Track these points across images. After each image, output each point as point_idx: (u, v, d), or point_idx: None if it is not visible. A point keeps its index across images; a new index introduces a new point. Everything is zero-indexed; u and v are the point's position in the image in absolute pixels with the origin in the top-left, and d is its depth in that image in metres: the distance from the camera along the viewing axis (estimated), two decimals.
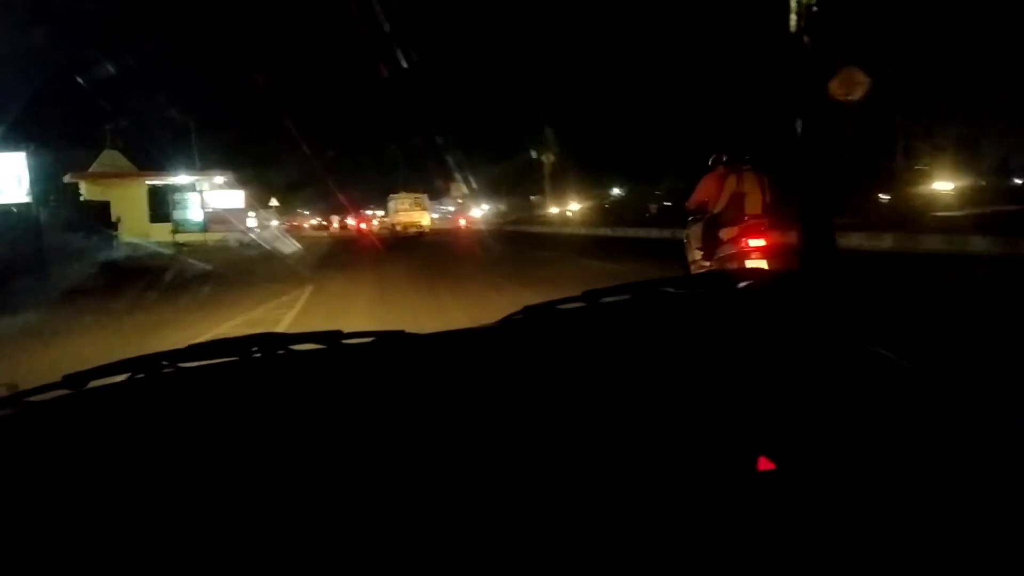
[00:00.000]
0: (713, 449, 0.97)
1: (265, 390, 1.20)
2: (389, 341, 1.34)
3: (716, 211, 6.76)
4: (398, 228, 36.01)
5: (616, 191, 43.79)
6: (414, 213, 37.80)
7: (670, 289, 1.49)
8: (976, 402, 1.00)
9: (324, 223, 56.25)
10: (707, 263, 6.70)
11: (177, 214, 33.67)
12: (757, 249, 6.37)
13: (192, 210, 34.05)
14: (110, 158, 33.44)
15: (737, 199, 6.63)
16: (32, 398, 1.18)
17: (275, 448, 1.01)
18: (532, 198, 46.78)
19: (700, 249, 6.88)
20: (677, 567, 0.85)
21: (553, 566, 0.85)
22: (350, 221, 42.81)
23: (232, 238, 30.70)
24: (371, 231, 37.96)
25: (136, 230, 29.03)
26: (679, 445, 0.98)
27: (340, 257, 22.39)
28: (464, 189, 50.22)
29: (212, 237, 31.99)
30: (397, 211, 38.29)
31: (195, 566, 0.85)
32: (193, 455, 0.99)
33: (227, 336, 1.32)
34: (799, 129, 6.20)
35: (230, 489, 0.93)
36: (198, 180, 34.61)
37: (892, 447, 0.96)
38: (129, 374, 1.21)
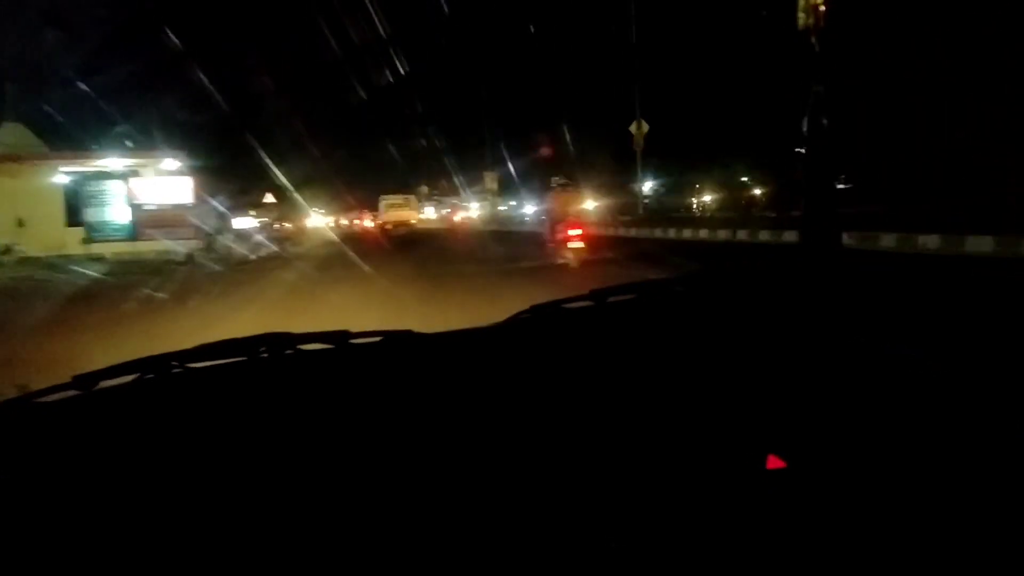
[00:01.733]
0: (722, 447, 0.97)
1: (273, 390, 1.20)
2: (397, 340, 1.34)
3: (554, 212, 12.81)
4: (388, 226, 38.38)
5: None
6: (403, 212, 41.80)
7: (677, 288, 1.49)
8: (980, 398, 1.00)
9: (334, 221, 55.22)
10: (551, 243, 12.43)
11: (91, 214, 22.97)
12: (575, 236, 11.85)
13: (114, 207, 23.22)
14: (12, 134, 22.15)
15: (564, 207, 12.71)
16: (42, 399, 1.18)
17: (284, 448, 1.01)
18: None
19: (548, 235, 12.82)
20: (686, 564, 0.85)
21: (562, 563, 0.85)
22: (368, 223, 44.18)
23: (178, 246, 21.02)
24: (372, 229, 41.03)
25: (47, 239, 21.09)
26: (687, 443, 0.98)
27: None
28: (444, 190, 52.74)
29: (145, 247, 21.91)
30: (387, 210, 42.05)
31: (204, 566, 0.85)
32: (203, 456, 1.00)
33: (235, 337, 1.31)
34: (804, 128, 6.29)
35: (240, 489, 0.94)
36: (136, 165, 23.76)
37: (901, 443, 0.96)
38: (138, 374, 1.21)
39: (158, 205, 23.13)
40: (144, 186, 23.65)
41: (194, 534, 0.88)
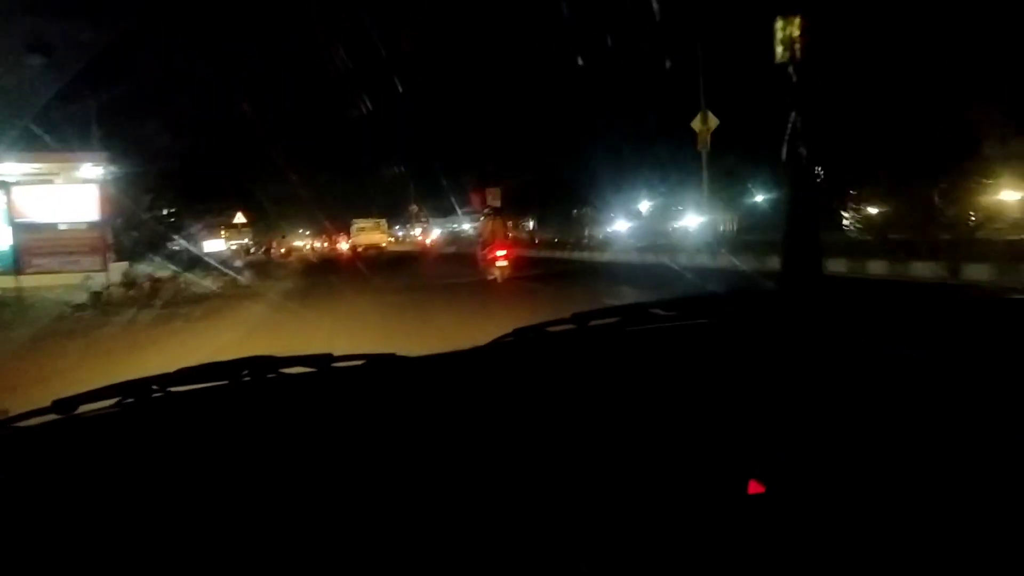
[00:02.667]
0: (703, 471, 0.97)
1: (256, 415, 1.20)
2: (380, 364, 1.34)
3: (485, 236, 14.73)
4: (359, 248, 40.39)
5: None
6: (373, 235, 44.18)
7: (659, 311, 1.51)
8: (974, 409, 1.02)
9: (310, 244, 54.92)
10: (483, 262, 14.40)
11: None
12: (501, 256, 13.89)
13: None
14: None
15: (494, 231, 14.43)
16: (22, 423, 1.17)
17: (267, 473, 1.00)
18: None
19: (480, 255, 14.91)
20: None
21: None
22: (344, 245, 45.86)
23: (89, 281, 15.11)
24: (346, 251, 42.72)
25: None
26: (668, 468, 0.98)
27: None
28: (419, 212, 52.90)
29: (33, 283, 15.21)
30: (358, 233, 44.31)
31: None
32: (184, 481, 0.99)
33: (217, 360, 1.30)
34: (783, 156, 6.42)
35: (223, 514, 0.93)
36: (41, 171, 17.62)
37: (876, 470, 0.97)
38: (119, 399, 1.20)
39: (54, 223, 16.39)
40: (33, 198, 16.57)
41: (176, 559, 0.87)
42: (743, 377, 1.16)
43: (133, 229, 19.81)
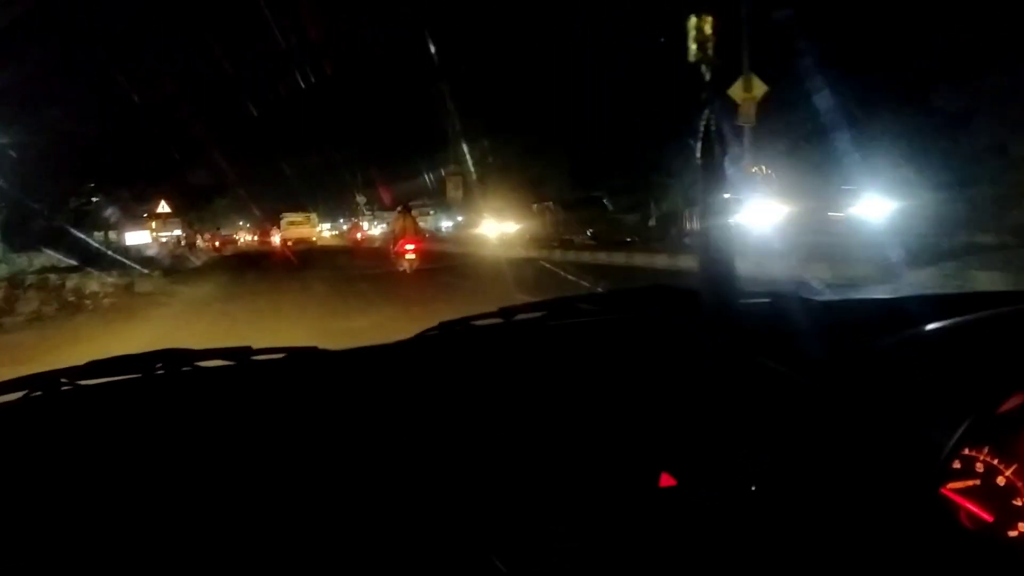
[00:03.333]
0: (619, 464, 1.00)
1: (169, 409, 1.16)
2: (301, 357, 1.32)
3: (396, 231, 16.40)
4: (289, 242, 39.69)
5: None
6: (303, 229, 43.48)
7: (584, 306, 1.52)
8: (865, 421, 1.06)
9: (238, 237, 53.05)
10: (393, 254, 15.83)
11: None
12: (410, 250, 15.38)
13: None
14: None
15: (404, 226, 15.88)
16: None
17: (180, 469, 0.98)
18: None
19: (392, 248, 16.32)
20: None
21: None
22: (276, 239, 44.90)
23: None
24: (278, 244, 41.78)
25: None
26: (587, 460, 1.00)
27: None
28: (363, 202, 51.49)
29: None
30: (288, 227, 43.69)
31: None
32: (90, 478, 0.96)
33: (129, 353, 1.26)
34: (697, 154, 6.54)
35: (130, 511, 0.91)
36: None
37: (789, 460, 1.01)
38: (25, 392, 1.16)
39: None
40: None
41: (78, 556, 0.85)
42: (660, 371, 1.19)
43: (30, 217, 18.55)
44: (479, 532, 0.91)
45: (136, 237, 27.14)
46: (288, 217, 45.02)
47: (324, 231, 52.06)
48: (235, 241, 49.26)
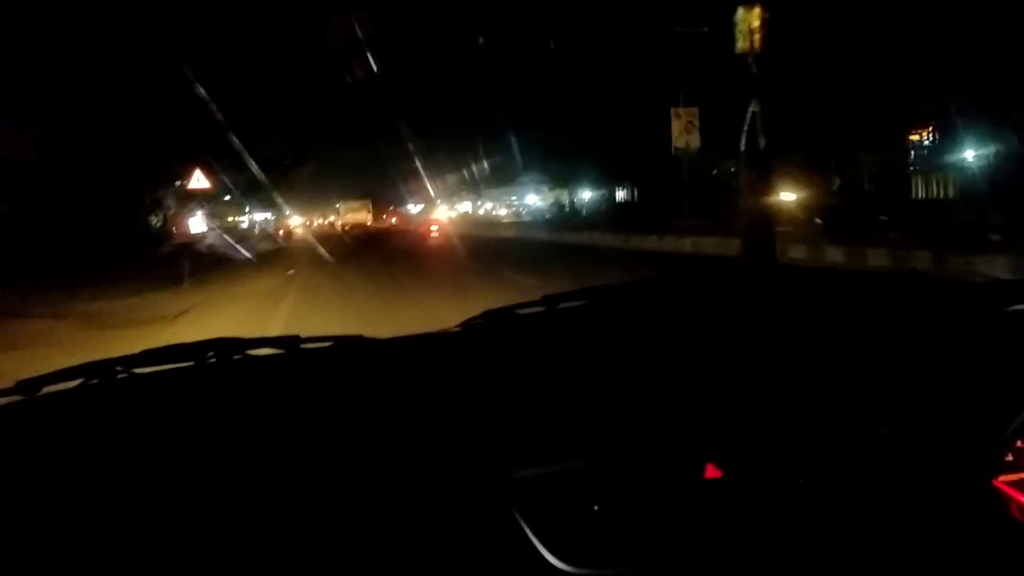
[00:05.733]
0: (664, 455, 0.99)
1: (221, 397, 1.19)
2: (348, 346, 1.33)
3: (423, 218, 37.80)
4: (345, 227, 45.49)
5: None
6: (358, 215, 50.86)
7: (625, 295, 1.53)
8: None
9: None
10: (423, 234, 28.70)
11: None
12: (434, 231, 28.65)
13: None
14: None
15: (427, 215, 36.51)
16: None
17: (232, 455, 1.00)
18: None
19: (421, 230, 30.95)
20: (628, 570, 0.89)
21: (526, 563, 0.88)
22: (337, 223, 52.06)
23: None
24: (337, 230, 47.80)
25: None
26: (633, 451, 1.00)
27: None
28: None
29: None
30: (345, 213, 51.30)
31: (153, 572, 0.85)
32: (148, 463, 0.99)
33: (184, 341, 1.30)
34: (742, 147, 6.52)
35: (187, 497, 0.93)
36: None
37: (831, 452, 1.00)
38: (83, 379, 1.19)
39: None
40: None
41: (140, 542, 0.87)
42: (705, 360, 1.19)
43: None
44: (525, 522, 0.91)
45: (196, 224, 24.97)
46: (345, 204, 52.38)
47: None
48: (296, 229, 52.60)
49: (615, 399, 1.08)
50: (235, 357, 1.29)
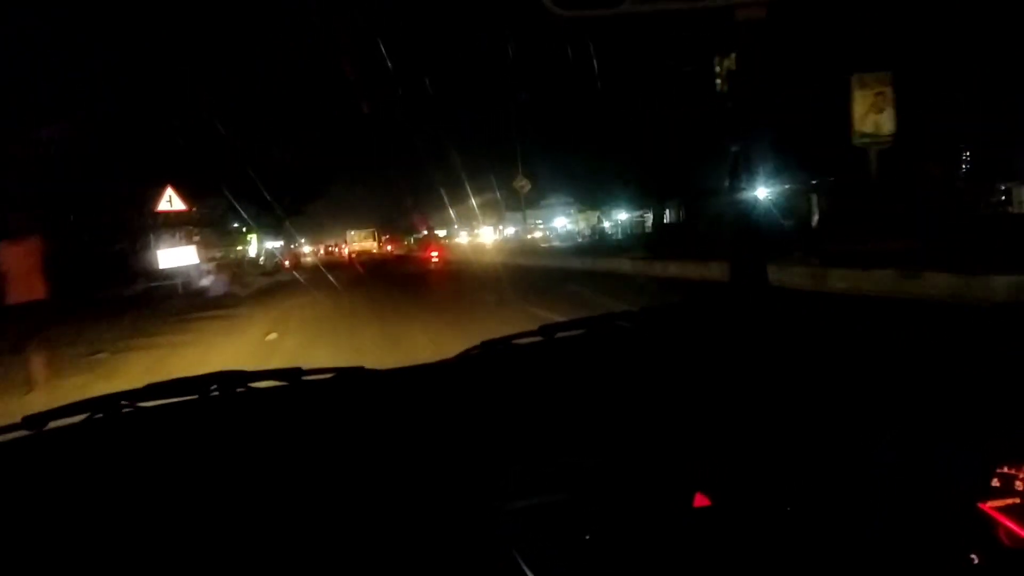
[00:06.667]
0: (654, 484, 1.00)
1: (225, 430, 1.19)
2: (349, 377, 1.34)
3: (423, 245, 40.36)
4: (353, 254, 50.84)
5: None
6: (365, 243, 57.23)
7: (622, 324, 1.52)
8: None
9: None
10: (423, 260, 29.85)
11: None
12: (434, 256, 28.55)
13: None
14: None
15: (427, 242, 38.29)
16: None
17: (236, 487, 1.01)
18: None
19: (422, 256, 32.05)
20: None
21: None
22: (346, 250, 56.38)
23: None
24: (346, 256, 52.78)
25: None
26: (625, 480, 1.01)
27: None
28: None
29: None
30: (352, 242, 58.09)
31: None
32: (153, 497, 0.99)
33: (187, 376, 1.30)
34: (727, 184, 6.79)
35: (193, 529, 0.93)
36: None
37: (824, 477, 1.01)
38: (88, 414, 1.19)
39: None
40: None
41: (135, 569, 0.88)
42: (696, 389, 1.20)
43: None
44: (520, 551, 0.92)
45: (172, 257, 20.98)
46: (352, 234, 59.23)
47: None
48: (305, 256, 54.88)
49: (606, 429, 1.09)
50: (238, 390, 1.29)
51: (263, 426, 1.19)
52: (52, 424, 1.17)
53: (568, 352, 1.46)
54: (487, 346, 1.43)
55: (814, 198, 17.87)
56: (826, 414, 1.10)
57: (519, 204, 40.72)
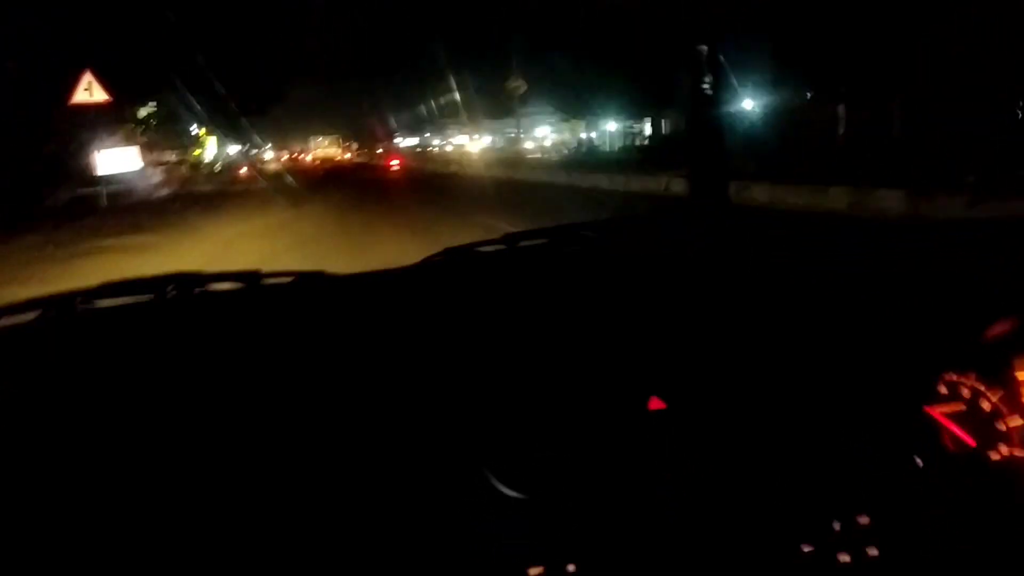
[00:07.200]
0: (610, 388, 1.02)
1: (181, 331, 1.18)
2: (309, 281, 1.33)
3: (385, 153, 49.26)
4: (317, 160, 53.72)
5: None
6: (329, 150, 59.84)
7: (586, 233, 1.53)
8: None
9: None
10: (385, 166, 40.08)
11: None
12: (394, 164, 39.00)
13: None
14: None
15: (388, 152, 48.37)
16: None
17: (188, 391, 1.00)
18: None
19: (382, 164, 41.82)
20: (577, 502, 0.94)
21: (467, 507, 0.91)
22: (308, 158, 58.89)
23: None
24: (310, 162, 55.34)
25: None
26: (583, 385, 1.03)
27: None
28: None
29: None
30: (317, 149, 60.62)
31: (92, 523, 0.85)
32: (106, 400, 0.98)
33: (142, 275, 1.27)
34: (690, 86, 6.66)
35: (143, 441, 0.93)
36: None
37: (773, 385, 1.04)
38: (40, 311, 1.17)
39: None
40: None
41: (88, 486, 0.87)
42: (655, 295, 1.21)
43: None
44: (475, 452, 0.94)
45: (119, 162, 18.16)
46: (317, 140, 62.05)
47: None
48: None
49: (565, 336, 1.11)
50: (196, 291, 1.28)
51: (218, 332, 1.17)
52: (3, 321, 1.14)
53: (531, 260, 1.47)
54: (449, 252, 1.43)
55: (841, 109, 15.61)
56: (780, 323, 1.12)
57: (500, 111, 38.82)
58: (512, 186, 20.13)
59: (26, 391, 0.99)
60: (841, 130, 15.77)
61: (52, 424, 0.93)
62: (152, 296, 1.24)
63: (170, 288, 1.25)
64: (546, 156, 36.28)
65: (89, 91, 13.95)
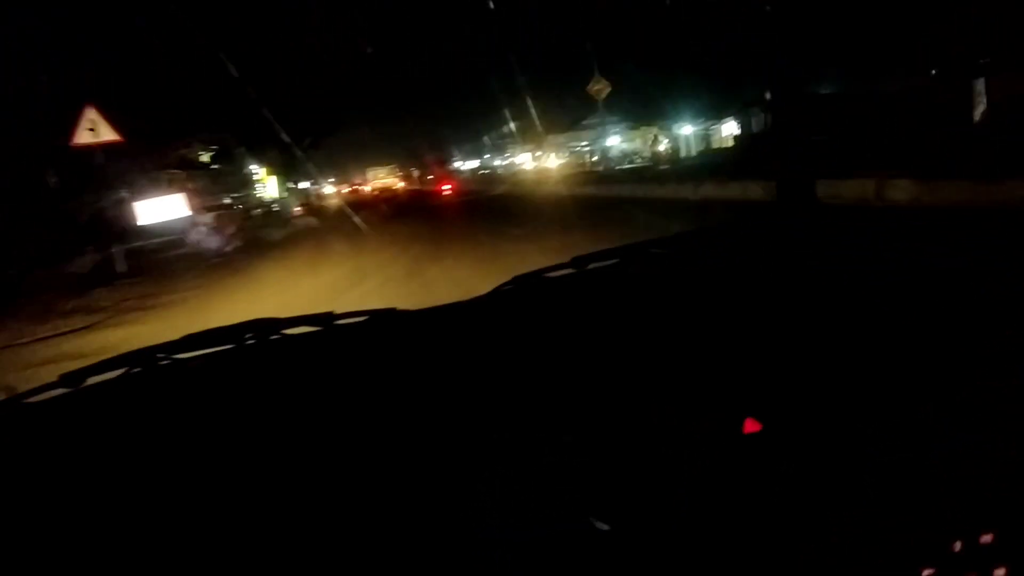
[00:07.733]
0: (702, 411, 0.98)
1: (262, 377, 1.20)
2: (381, 319, 1.34)
3: (436, 177, 45.09)
4: (376, 190, 54.25)
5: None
6: (386, 180, 60.13)
7: (655, 251, 1.50)
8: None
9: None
10: (436, 191, 37.07)
11: None
12: (446, 188, 36.00)
13: None
14: None
15: (439, 177, 42.50)
16: (30, 399, 1.18)
17: (275, 436, 1.01)
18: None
19: (434, 189, 38.98)
20: (668, 531, 0.88)
21: (555, 535, 0.86)
22: (367, 188, 59.31)
23: None
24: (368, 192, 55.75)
25: None
26: (669, 408, 0.99)
27: None
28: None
29: None
30: (374, 179, 61.17)
31: (198, 560, 0.85)
32: (194, 448, 0.99)
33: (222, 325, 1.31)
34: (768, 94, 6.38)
35: (234, 480, 0.94)
36: None
37: (873, 405, 0.98)
38: (126, 368, 1.20)
39: None
40: None
41: (188, 530, 0.88)
42: (740, 314, 1.17)
43: None
44: (566, 487, 0.91)
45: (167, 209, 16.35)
46: (373, 171, 62.94)
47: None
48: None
49: (645, 359, 1.07)
50: (272, 337, 1.30)
51: (299, 375, 1.19)
52: (89, 380, 1.17)
53: (602, 283, 1.44)
54: (519, 280, 1.42)
55: (979, 85, 13.26)
56: (868, 332, 1.07)
57: (562, 126, 38.83)
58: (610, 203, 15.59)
59: (114, 449, 1.01)
60: (980, 109, 13.48)
61: (144, 480, 0.95)
62: (232, 345, 1.27)
63: (248, 336, 1.28)
64: (619, 167, 31.12)
65: (94, 129, 11.80)
